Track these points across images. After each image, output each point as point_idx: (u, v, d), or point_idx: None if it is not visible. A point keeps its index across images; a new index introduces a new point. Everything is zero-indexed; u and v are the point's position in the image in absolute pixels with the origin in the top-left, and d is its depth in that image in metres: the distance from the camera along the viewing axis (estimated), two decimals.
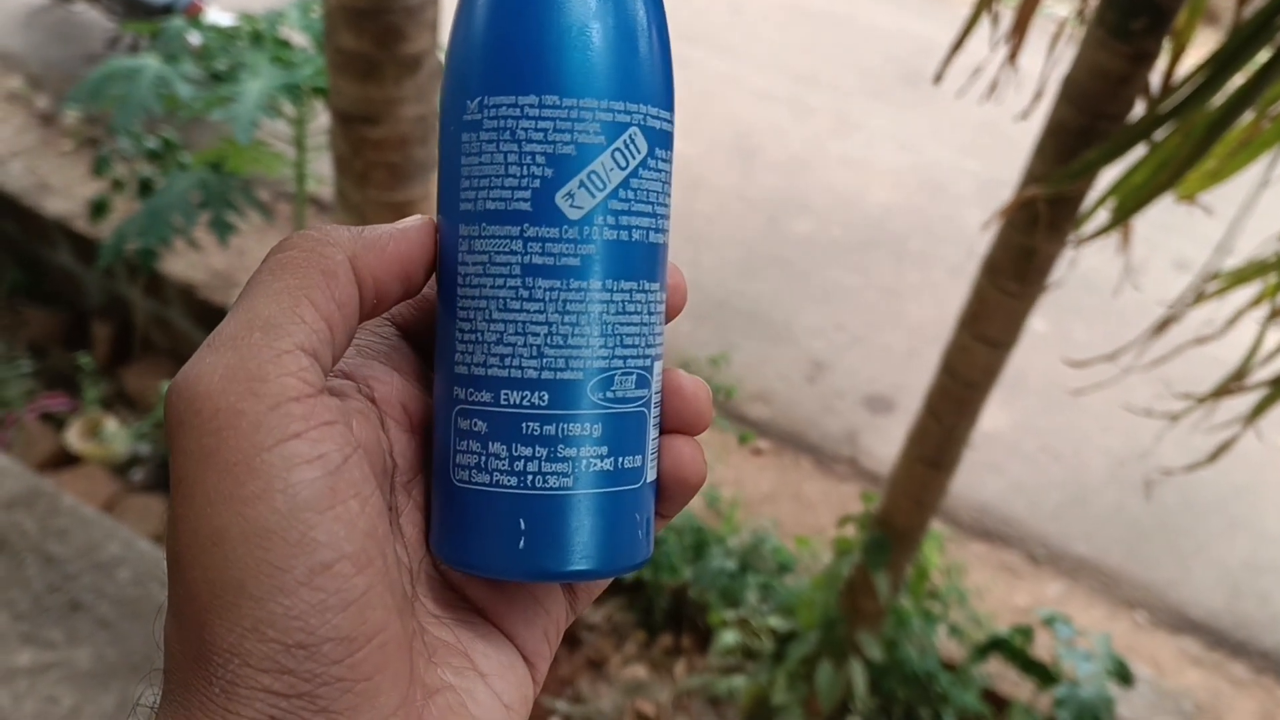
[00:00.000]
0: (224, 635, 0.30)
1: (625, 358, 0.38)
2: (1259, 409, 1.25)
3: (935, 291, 3.61)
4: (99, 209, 2.56)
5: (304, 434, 0.31)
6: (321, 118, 2.15)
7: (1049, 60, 1.32)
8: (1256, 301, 1.24)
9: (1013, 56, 1.34)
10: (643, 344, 0.38)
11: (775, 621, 2.16)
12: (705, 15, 5.37)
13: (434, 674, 0.36)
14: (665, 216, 0.39)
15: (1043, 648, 2.01)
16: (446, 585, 0.40)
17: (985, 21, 1.32)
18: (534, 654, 0.41)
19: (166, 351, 3.22)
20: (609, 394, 0.37)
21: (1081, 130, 1.24)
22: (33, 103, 3.90)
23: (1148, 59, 1.18)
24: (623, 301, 0.37)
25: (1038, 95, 1.33)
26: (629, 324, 0.38)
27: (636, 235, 0.38)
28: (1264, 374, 1.26)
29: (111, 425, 2.84)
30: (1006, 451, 3.02)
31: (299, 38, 2.31)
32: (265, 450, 0.30)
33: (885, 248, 3.91)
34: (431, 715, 0.34)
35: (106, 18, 4.19)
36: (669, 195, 0.39)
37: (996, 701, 2.12)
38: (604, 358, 0.37)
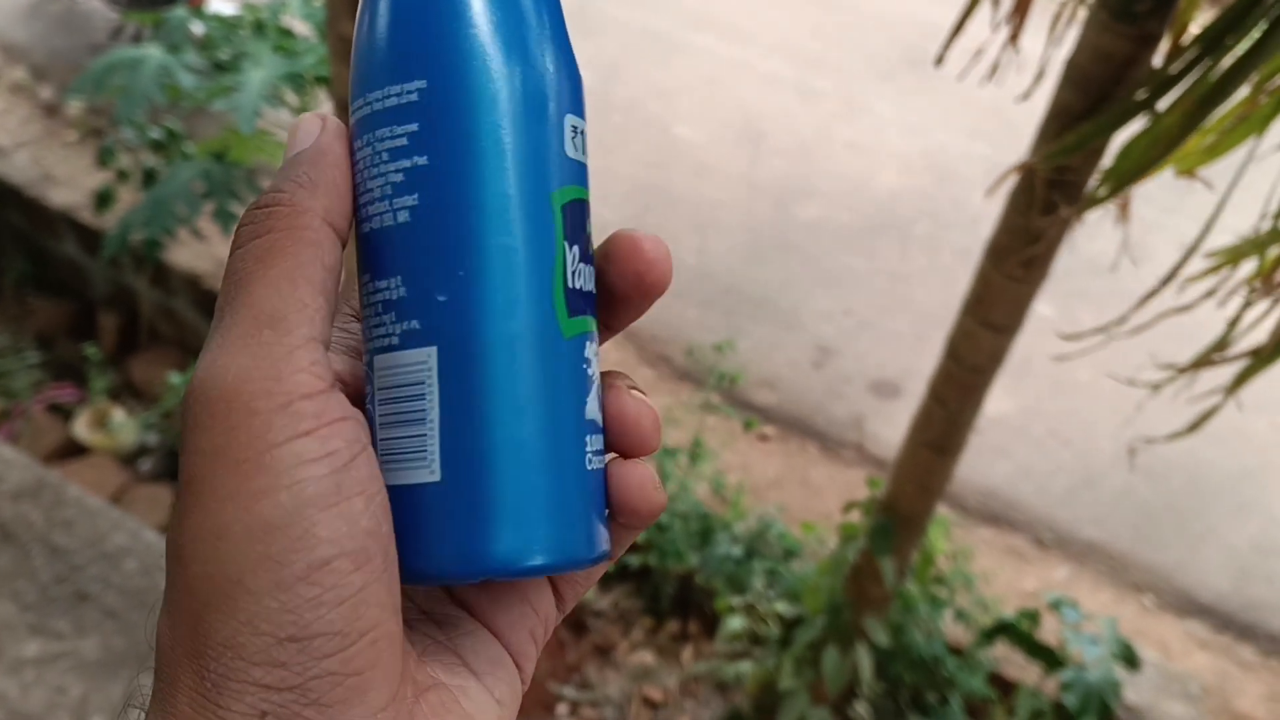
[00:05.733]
0: (219, 629, 0.30)
1: None
2: (1240, 380, 1.25)
3: (943, 276, 3.60)
4: (104, 200, 2.56)
5: (314, 431, 0.32)
6: (324, 106, 2.15)
7: (1050, 42, 1.31)
8: (1254, 277, 1.24)
9: (1014, 38, 1.33)
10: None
11: (782, 607, 2.17)
12: (711, 0, 5.35)
13: (424, 671, 0.36)
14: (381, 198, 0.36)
15: (1049, 631, 2.01)
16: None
17: (987, 3, 1.32)
18: (520, 654, 0.40)
19: (173, 341, 3.22)
20: None
21: (1085, 114, 1.23)
22: (37, 94, 3.90)
23: (1152, 41, 1.17)
24: None
25: (1039, 77, 1.32)
26: None
27: None
28: (1245, 345, 1.26)
29: (119, 415, 2.85)
30: (1013, 436, 3.01)
31: (301, 26, 2.31)
32: (275, 447, 0.31)
33: (892, 232, 3.90)
34: (423, 712, 0.34)
35: (109, 8, 4.19)
36: (399, 174, 0.36)
37: (1003, 685, 2.12)
38: None
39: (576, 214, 0.38)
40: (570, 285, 0.37)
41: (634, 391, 0.40)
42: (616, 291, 0.39)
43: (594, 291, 0.39)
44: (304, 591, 0.30)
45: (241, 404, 0.31)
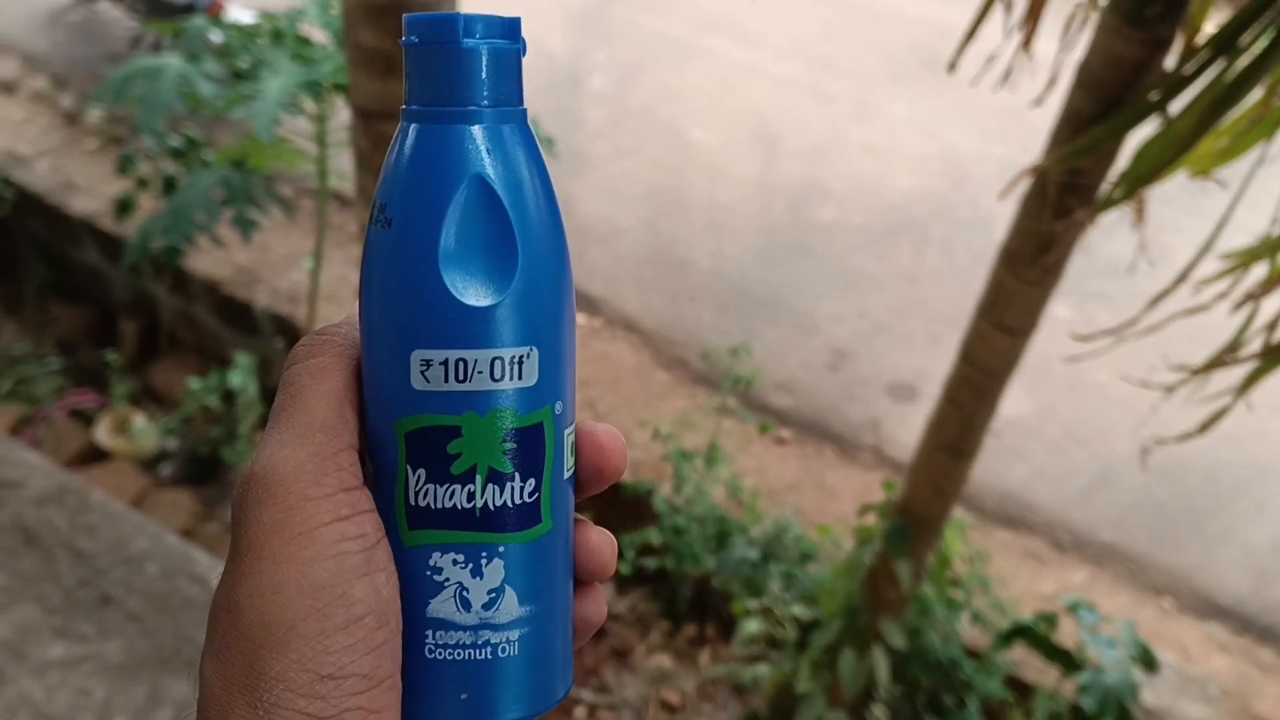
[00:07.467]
0: (273, 665, 0.38)
1: None
2: (1249, 380, 1.25)
3: (958, 277, 3.59)
4: (124, 207, 2.58)
5: (351, 518, 0.41)
6: (342, 114, 2.16)
7: (1063, 46, 1.31)
8: (1269, 279, 1.24)
9: (1026, 43, 1.34)
10: None
11: (798, 610, 2.17)
12: (726, 3, 5.35)
13: None
14: None
15: (1067, 634, 2.01)
16: None
17: (1000, 8, 1.32)
18: None
19: (193, 347, 3.25)
20: None
21: (1097, 117, 1.23)
22: (57, 102, 3.94)
23: (1163, 45, 1.18)
24: None
25: (1052, 81, 1.33)
26: None
27: None
28: (1257, 345, 1.25)
29: (140, 421, 2.87)
30: (1030, 438, 3.01)
31: (319, 35, 2.32)
32: (323, 526, 0.40)
33: (907, 234, 3.90)
34: None
35: (129, 17, 4.22)
36: None
37: (1021, 688, 2.12)
38: None
39: (428, 440, 0.43)
40: (412, 503, 0.43)
41: (597, 527, 0.48)
42: (579, 477, 0.47)
43: (471, 508, 0.43)
44: (342, 639, 0.39)
45: (298, 490, 0.40)
